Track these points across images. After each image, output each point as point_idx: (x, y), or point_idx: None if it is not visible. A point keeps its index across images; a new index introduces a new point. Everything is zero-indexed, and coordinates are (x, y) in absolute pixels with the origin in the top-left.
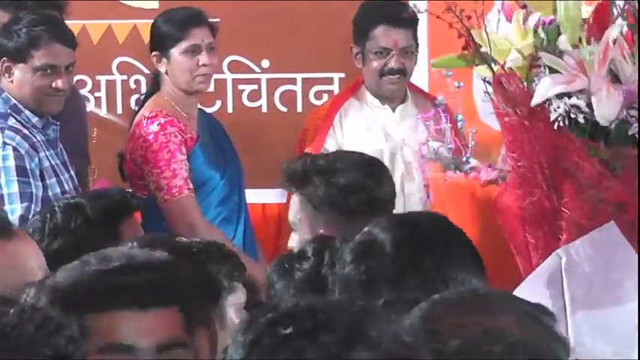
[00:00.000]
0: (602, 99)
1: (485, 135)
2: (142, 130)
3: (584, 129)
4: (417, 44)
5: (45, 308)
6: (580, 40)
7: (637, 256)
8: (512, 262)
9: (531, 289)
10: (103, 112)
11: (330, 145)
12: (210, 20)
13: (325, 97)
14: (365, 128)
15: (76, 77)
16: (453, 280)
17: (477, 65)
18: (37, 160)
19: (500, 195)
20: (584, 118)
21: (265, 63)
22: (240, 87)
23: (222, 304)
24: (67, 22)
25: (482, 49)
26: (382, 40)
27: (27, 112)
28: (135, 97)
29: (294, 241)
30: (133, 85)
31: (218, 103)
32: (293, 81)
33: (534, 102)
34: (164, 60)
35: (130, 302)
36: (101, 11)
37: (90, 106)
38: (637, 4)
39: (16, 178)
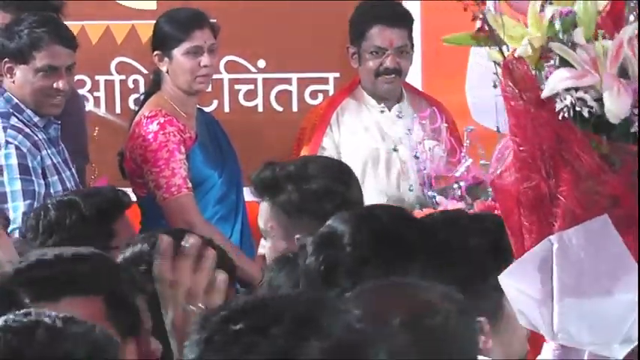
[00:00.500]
0: (613, 97)
1: (479, 134)
2: (141, 130)
3: (587, 121)
4: (413, 44)
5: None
6: (595, 37)
7: (627, 250)
8: None
9: (521, 271)
10: (101, 111)
11: (328, 144)
12: (211, 21)
13: (320, 96)
14: (361, 127)
15: (76, 77)
16: (408, 269)
17: (489, 48)
18: (39, 158)
19: (500, 175)
20: (589, 112)
21: (261, 63)
22: (237, 87)
23: None
24: (66, 22)
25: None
26: (378, 40)
27: (28, 111)
28: (133, 96)
29: (264, 248)
30: (131, 85)
31: (215, 103)
32: (288, 81)
33: (544, 94)
34: (166, 59)
35: (40, 296)
36: (100, 12)
37: (89, 106)
38: (637, 4)
39: (18, 176)
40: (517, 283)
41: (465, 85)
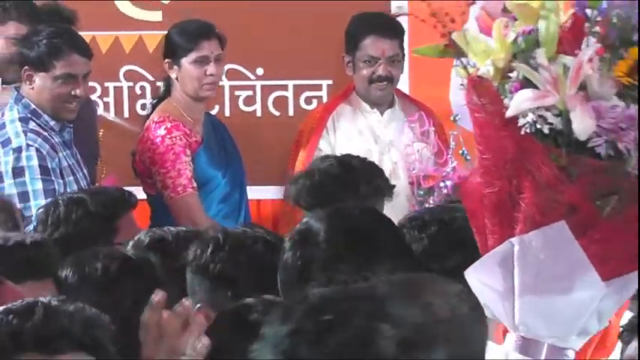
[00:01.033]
0: (579, 117)
1: (463, 137)
2: (150, 134)
3: (548, 136)
4: (404, 54)
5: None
6: (556, 56)
7: (583, 253)
8: None
9: (485, 267)
10: (111, 115)
11: (324, 146)
12: (219, 33)
13: (314, 102)
14: (356, 131)
15: None
16: (379, 264)
17: (454, 65)
18: (57, 160)
19: (466, 179)
20: (549, 128)
21: (260, 71)
22: (237, 93)
23: None
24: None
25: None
26: (371, 50)
27: (45, 116)
28: (140, 102)
29: None
30: (138, 91)
31: (217, 108)
32: (285, 87)
33: (509, 113)
34: (175, 67)
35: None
36: (109, 23)
37: (99, 110)
38: (637, 4)
39: (39, 176)
40: (482, 278)
41: (449, 92)
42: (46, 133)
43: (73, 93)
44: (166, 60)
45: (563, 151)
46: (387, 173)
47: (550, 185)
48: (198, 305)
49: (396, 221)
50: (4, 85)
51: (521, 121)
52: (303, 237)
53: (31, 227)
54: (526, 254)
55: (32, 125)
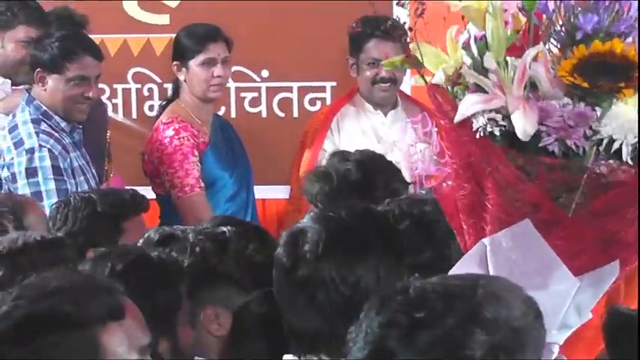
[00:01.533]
0: (520, 117)
1: None
2: (159, 135)
3: (502, 137)
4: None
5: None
6: (505, 59)
7: (550, 249)
8: None
9: (465, 268)
10: (119, 117)
11: (328, 147)
12: (226, 36)
13: (318, 103)
14: (359, 131)
15: None
16: (362, 262)
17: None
18: (68, 160)
19: (440, 184)
20: (500, 130)
21: (265, 73)
22: (243, 94)
23: None
24: None
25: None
26: (374, 52)
27: (56, 117)
28: (148, 103)
29: None
30: (146, 93)
31: (223, 109)
32: (290, 89)
33: (456, 119)
34: (183, 69)
35: None
36: (118, 27)
37: (108, 112)
38: (637, 4)
39: (52, 176)
40: None
41: None
42: (57, 134)
43: (85, 95)
44: (175, 62)
45: (517, 151)
46: None
47: (510, 185)
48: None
49: None
50: (14, 87)
51: (474, 125)
52: (294, 236)
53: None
54: (498, 253)
55: (44, 126)
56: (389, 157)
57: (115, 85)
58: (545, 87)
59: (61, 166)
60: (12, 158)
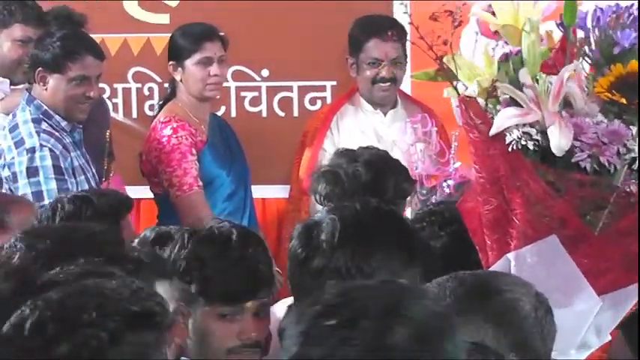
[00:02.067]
0: (556, 133)
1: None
2: (156, 134)
3: (534, 152)
4: (406, 55)
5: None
6: (539, 75)
7: (576, 267)
8: None
9: None
10: (119, 116)
11: (328, 146)
12: (221, 34)
13: (319, 102)
14: (359, 131)
15: None
16: (374, 255)
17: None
18: (69, 159)
19: (465, 198)
20: (534, 144)
21: (265, 72)
22: (243, 94)
23: None
24: None
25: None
26: (374, 52)
27: (57, 116)
28: (148, 103)
29: None
30: (146, 93)
31: (223, 109)
32: (290, 88)
33: (492, 132)
34: (179, 69)
35: None
36: (118, 26)
37: (109, 111)
38: (637, 4)
39: (53, 176)
40: None
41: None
42: (58, 134)
43: (86, 94)
44: (171, 62)
45: (549, 166)
46: None
47: (539, 200)
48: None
49: None
50: (13, 87)
51: (507, 138)
52: (307, 228)
53: None
54: (522, 269)
55: (44, 126)
56: None
57: (115, 85)
58: (579, 104)
59: (62, 165)
60: (13, 158)
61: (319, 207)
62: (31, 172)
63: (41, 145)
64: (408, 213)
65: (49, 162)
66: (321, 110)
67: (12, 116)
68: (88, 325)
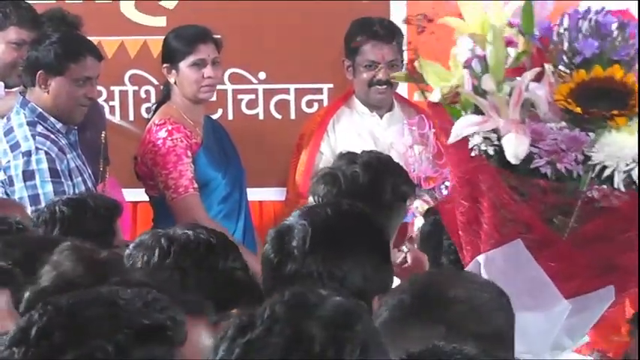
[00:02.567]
0: (510, 141)
1: None
2: (151, 136)
3: (496, 157)
4: (403, 58)
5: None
6: (504, 81)
7: (541, 271)
8: None
9: None
10: (116, 119)
11: (325, 149)
12: (215, 36)
13: (316, 105)
14: (355, 133)
15: None
16: (348, 259)
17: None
18: (65, 162)
19: (445, 199)
20: (494, 150)
21: (262, 75)
22: (240, 96)
23: None
24: None
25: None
26: (371, 55)
27: (52, 119)
28: (145, 105)
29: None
30: (143, 95)
31: (220, 111)
32: (287, 91)
33: (450, 140)
34: (173, 72)
35: None
36: (115, 29)
37: (104, 113)
38: (637, 4)
39: (49, 179)
40: None
41: None
42: (53, 136)
43: (88, 95)
44: (165, 65)
45: (511, 171)
46: None
47: (504, 205)
48: None
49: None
50: (7, 90)
51: (470, 143)
52: (279, 233)
53: None
54: (491, 271)
55: (40, 129)
56: None
57: (111, 87)
58: (542, 110)
59: (58, 168)
60: (8, 161)
61: None
62: (28, 175)
63: (37, 149)
64: (418, 222)
65: (45, 165)
66: (317, 113)
67: (6, 119)
68: (96, 336)
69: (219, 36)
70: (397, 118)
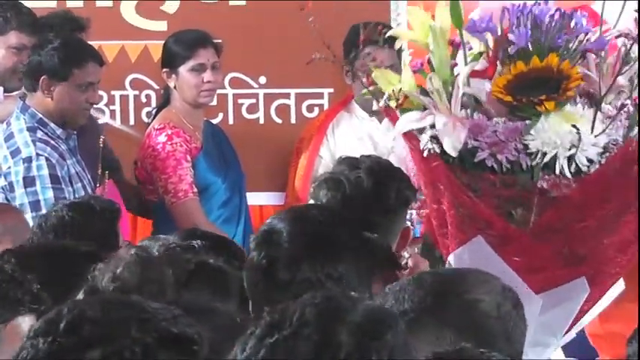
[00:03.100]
0: (446, 133)
1: None
2: (151, 141)
3: (445, 155)
4: (402, 62)
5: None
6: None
7: (506, 265)
8: None
9: None
10: (117, 123)
11: (324, 153)
12: (215, 41)
13: (316, 110)
14: (355, 138)
15: None
16: (340, 262)
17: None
18: (65, 168)
19: (419, 206)
20: (441, 148)
21: (262, 79)
22: (240, 101)
23: None
24: None
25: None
26: (368, 60)
27: (52, 124)
28: (146, 109)
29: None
30: (144, 100)
31: (220, 116)
32: (287, 95)
33: (393, 134)
34: (173, 76)
35: None
36: (115, 33)
37: (105, 118)
38: (637, 4)
39: (50, 185)
40: None
41: None
42: (54, 142)
43: (90, 100)
44: (164, 69)
45: (461, 168)
46: None
47: (460, 203)
48: None
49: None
50: (6, 94)
51: (421, 143)
52: (266, 237)
53: None
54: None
55: (40, 134)
56: None
57: (112, 92)
58: (485, 104)
59: (59, 174)
60: (9, 167)
61: None
62: (28, 181)
63: (37, 155)
64: (418, 228)
65: (45, 171)
66: (317, 117)
67: (6, 124)
68: (125, 335)
69: (219, 40)
70: None
